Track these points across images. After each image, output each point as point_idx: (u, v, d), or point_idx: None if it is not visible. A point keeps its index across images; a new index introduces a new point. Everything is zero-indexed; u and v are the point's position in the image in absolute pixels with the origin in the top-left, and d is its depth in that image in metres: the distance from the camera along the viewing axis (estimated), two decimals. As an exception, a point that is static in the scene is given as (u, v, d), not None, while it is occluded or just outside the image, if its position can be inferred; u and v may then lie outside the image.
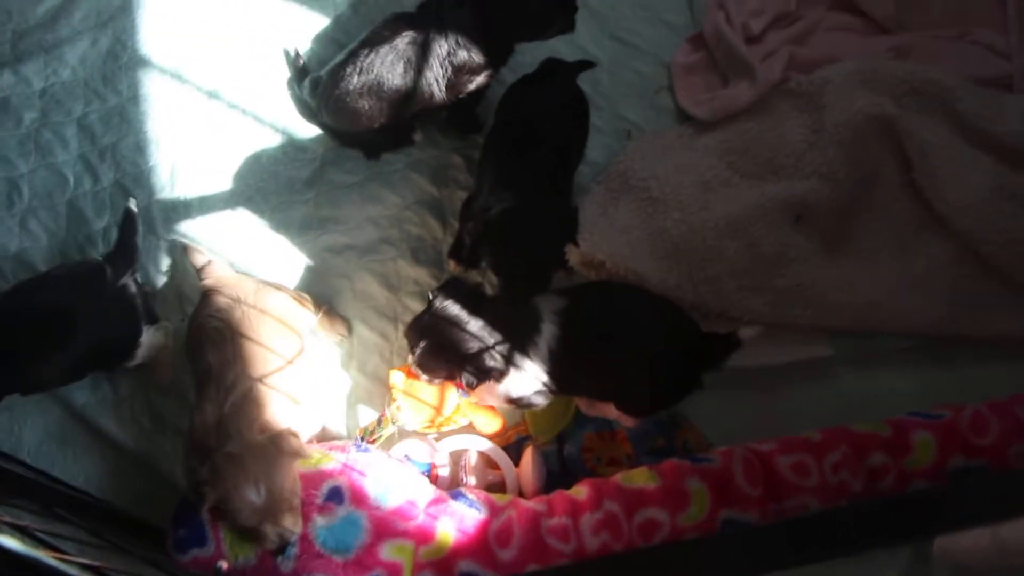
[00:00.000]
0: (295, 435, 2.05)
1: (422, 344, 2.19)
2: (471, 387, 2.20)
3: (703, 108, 2.78)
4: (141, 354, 2.44)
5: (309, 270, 2.68)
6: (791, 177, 2.61)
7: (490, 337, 2.18)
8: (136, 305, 2.42)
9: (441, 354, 2.19)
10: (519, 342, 2.19)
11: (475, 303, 2.21)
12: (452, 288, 2.24)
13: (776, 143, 2.66)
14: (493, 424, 2.42)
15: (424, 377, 2.27)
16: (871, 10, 2.94)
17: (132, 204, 2.52)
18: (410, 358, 2.26)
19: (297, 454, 2.02)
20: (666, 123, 2.86)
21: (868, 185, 2.62)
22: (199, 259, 2.41)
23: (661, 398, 2.30)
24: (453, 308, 2.19)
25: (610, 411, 2.34)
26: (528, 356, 2.19)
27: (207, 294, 2.32)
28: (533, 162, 2.40)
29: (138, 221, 2.52)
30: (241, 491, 1.90)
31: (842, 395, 2.51)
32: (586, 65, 2.69)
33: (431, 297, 2.23)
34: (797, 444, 2.21)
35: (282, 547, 1.99)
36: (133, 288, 2.42)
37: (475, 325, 2.18)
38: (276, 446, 1.99)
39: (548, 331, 2.19)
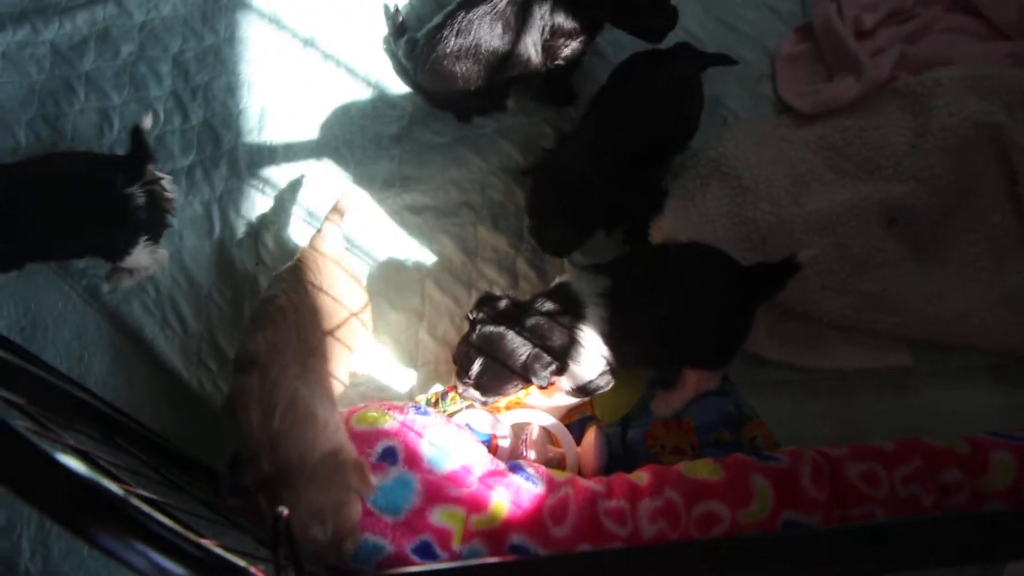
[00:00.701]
0: (360, 465, 1.93)
1: (478, 363, 2.18)
2: (543, 388, 2.21)
3: (805, 100, 2.71)
4: (131, 262, 2.50)
5: (387, 227, 2.67)
6: (889, 179, 2.54)
7: (540, 337, 2.17)
8: (136, 217, 2.42)
9: (498, 370, 2.18)
10: (567, 334, 2.18)
11: (514, 311, 2.21)
12: (488, 303, 2.23)
13: (877, 143, 2.58)
14: (561, 404, 2.42)
15: (481, 401, 2.27)
16: (992, 14, 2.83)
17: (146, 122, 2.45)
18: (459, 387, 2.26)
19: (362, 491, 1.93)
20: (764, 112, 2.80)
21: (969, 195, 2.53)
22: (333, 218, 2.40)
23: (728, 340, 2.30)
24: (495, 321, 2.19)
25: (678, 399, 2.32)
26: (581, 343, 2.18)
27: (297, 265, 2.26)
28: (620, 130, 2.41)
29: (147, 136, 2.46)
30: (308, 530, 1.81)
31: (919, 408, 2.44)
32: (722, 60, 2.67)
33: (470, 318, 2.22)
34: (869, 452, 2.14)
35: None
36: (140, 200, 2.41)
37: (522, 334, 2.17)
38: (342, 478, 1.89)
39: (594, 313, 2.18)
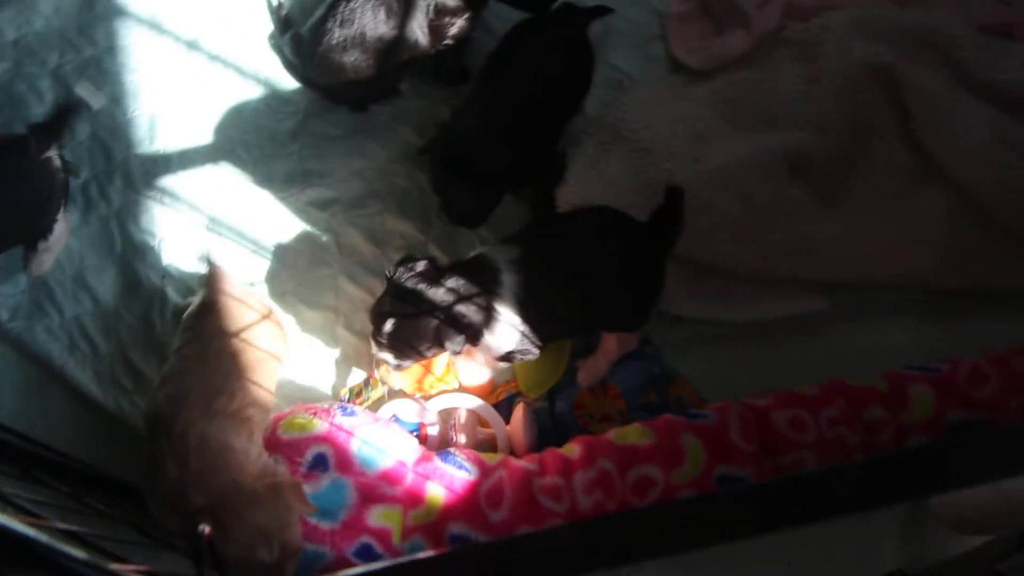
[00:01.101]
0: (297, 485, 1.90)
1: (389, 324, 2.13)
2: (457, 353, 2.18)
3: (696, 57, 2.73)
4: (54, 239, 2.45)
5: (293, 225, 2.62)
6: (785, 128, 2.57)
7: (455, 302, 2.14)
8: (58, 181, 2.40)
9: (411, 332, 2.14)
10: (482, 301, 2.15)
11: (432, 275, 2.16)
12: (406, 263, 2.18)
13: (770, 93, 2.61)
14: (482, 382, 2.41)
15: (394, 363, 2.21)
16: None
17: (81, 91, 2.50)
18: (374, 348, 2.20)
19: (302, 510, 1.89)
20: (658, 73, 2.80)
21: (865, 136, 2.58)
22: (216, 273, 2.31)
23: (642, 299, 2.29)
24: (411, 282, 2.14)
25: (601, 365, 2.33)
26: (497, 309, 2.15)
27: (199, 310, 2.18)
28: (513, 97, 2.41)
29: (79, 111, 2.51)
30: (255, 553, 1.77)
31: (837, 350, 2.47)
32: (601, 11, 2.64)
33: (388, 276, 2.18)
34: (793, 399, 2.17)
35: None
36: (57, 163, 2.39)
37: (438, 294, 2.13)
38: (281, 498, 1.85)
39: (509, 280, 2.15)
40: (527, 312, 2.16)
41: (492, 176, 2.41)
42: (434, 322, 2.12)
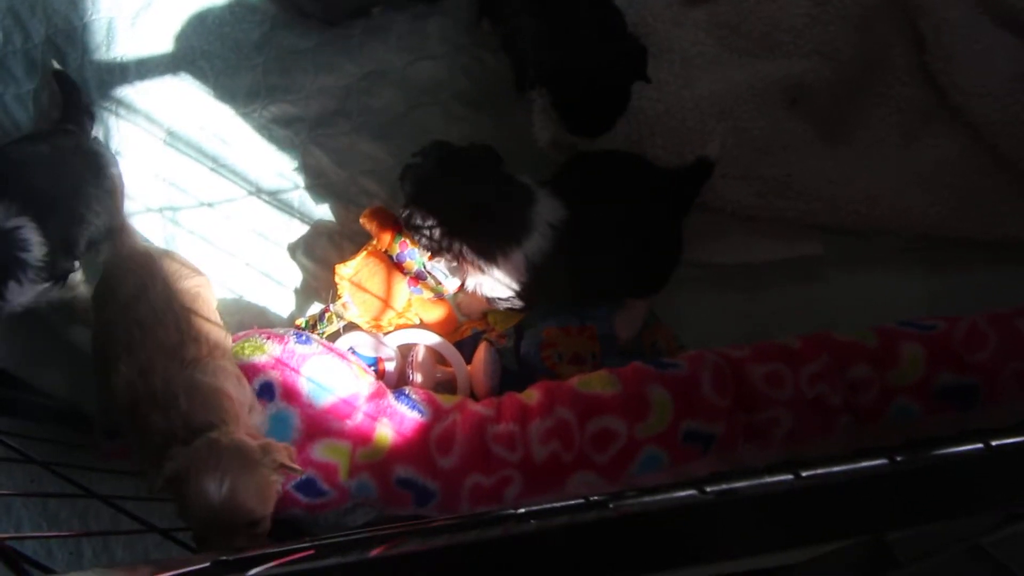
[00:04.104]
0: (289, 450, 1.79)
1: (411, 183, 2.11)
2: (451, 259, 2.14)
3: (696, -27, 2.56)
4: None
5: (254, 143, 2.50)
6: (788, 55, 2.40)
7: (476, 220, 2.07)
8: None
9: (433, 198, 2.09)
10: (501, 239, 2.07)
11: (481, 171, 2.11)
12: (440, 149, 2.13)
13: (774, 16, 2.42)
14: (442, 317, 2.34)
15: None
16: None
17: (55, 65, 2.43)
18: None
19: (281, 470, 1.77)
20: None
21: (874, 67, 2.41)
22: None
23: (665, 261, 2.24)
24: (442, 168, 2.10)
25: (637, 316, 2.31)
26: (501, 257, 2.08)
27: (106, 282, 2.10)
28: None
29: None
30: (202, 477, 1.66)
31: (830, 299, 2.38)
32: None
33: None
34: (773, 352, 2.08)
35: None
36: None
37: (472, 196, 2.07)
38: (264, 456, 1.74)
39: (534, 243, 2.07)
40: (529, 276, 2.09)
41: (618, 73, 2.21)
42: (437, 222, 2.06)
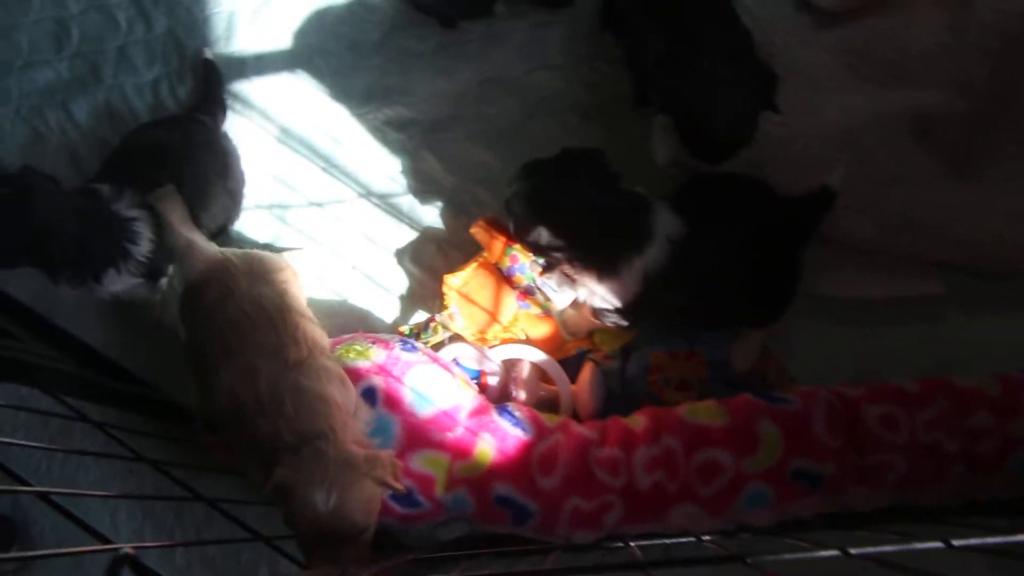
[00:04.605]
0: (395, 464, 1.81)
1: (526, 186, 2.07)
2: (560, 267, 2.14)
3: (828, -3, 2.52)
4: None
5: (367, 145, 2.53)
6: (919, 85, 2.36)
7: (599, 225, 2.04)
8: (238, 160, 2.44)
9: (544, 210, 2.05)
10: (622, 245, 2.04)
11: (604, 180, 2.07)
12: (593, 156, 2.10)
13: (906, 44, 2.38)
14: (548, 334, 2.34)
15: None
16: None
17: (208, 53, 2.52)
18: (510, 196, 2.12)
19: (384, 485, 1.78)
20: (782, 11, 2.55)
21: (1010, 102, 2.34)
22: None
23: (782, 296, 2.19)
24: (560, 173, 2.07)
25: (755, 346, 2.27)
26: (620, 265, 2.04)
27: (191, 293, 2.09)
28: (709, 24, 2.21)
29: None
30: (310, 488, 1.69)
31: (949, 342, 2.31)
32: None
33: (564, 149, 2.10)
34: (889, 393, 2.03)
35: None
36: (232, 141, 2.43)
37: (594, 201, 2.04)
38: (369, 468, 1.76)
39: (652, 255, 2.03)
40: (642, 288, 2.06)
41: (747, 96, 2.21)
42: (549, 224, 2.03)
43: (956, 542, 1.03)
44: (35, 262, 2.04)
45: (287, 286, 2.09)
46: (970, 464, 1.98)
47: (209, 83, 2.50)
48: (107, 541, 0.98)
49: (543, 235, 2.04)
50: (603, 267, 2.06)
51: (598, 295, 2.12)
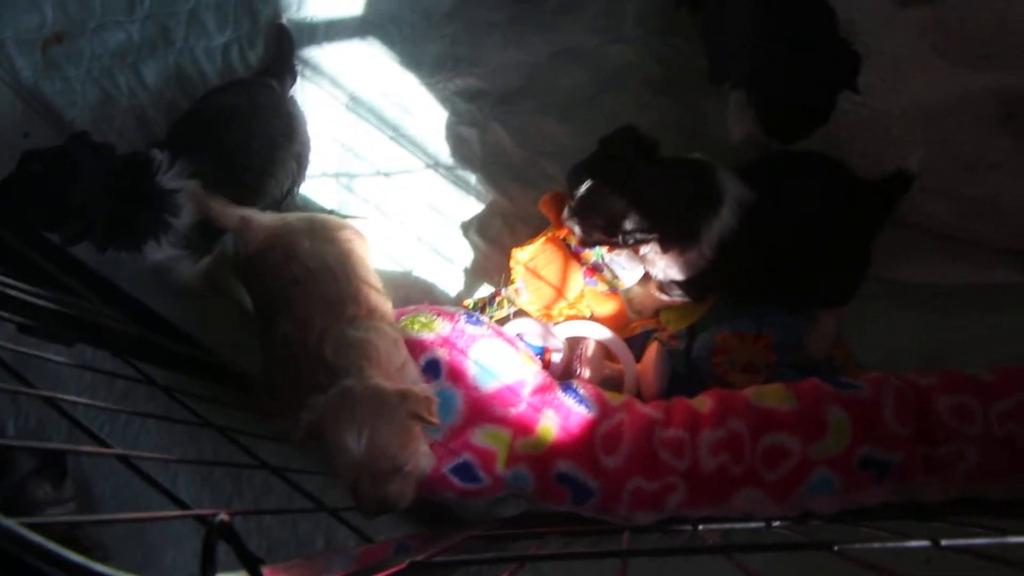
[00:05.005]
0: (428, 398, 1.80)
1: (587, 184, 2.03)
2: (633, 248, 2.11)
3: (915, -31, 2.47)
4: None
5: (436, 115, 2.55)
6: (1009, 67, 2.31)
7: (660, 200, 2.03)
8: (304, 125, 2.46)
9: (603, 202, 2.04)
10: (698, 210, 2.03)
11: (650, 155, 2.06)
12: (627, 133, 2.08)
13: (999, 22, 2.33)
14: (614, 312, 2.34)
15: (577, 232, 2.12)
16: None
17: (283, 19, 2.57)
18: (566, 211, 2.12)
19: (417, 418, 1.77)
20: None
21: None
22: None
23: (853, 278, 2.18)
24: (628, 154, 2.04)
25: (832, 329, 2.26)
26: (702, 229, 2.03)
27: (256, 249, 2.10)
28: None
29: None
30: (340, 431, 1.70)
31: (1014, 332, 2.28)
32: None
33: (601, 139, 2.09)
34: (963, 382, 2.00)
35: (379, 511, 1.77)
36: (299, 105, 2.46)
37: (648, 179, 2.02)
38: (403, 405, 1.75)
39: (725, 219, 2.02)
40: (716, 256, 2.05)
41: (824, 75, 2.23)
42: (621, 207, 2.02)
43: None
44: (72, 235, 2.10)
45: (351, 245, 2.12)
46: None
47: (281, 48, 2.53)
48: (187, 507, 1.00)
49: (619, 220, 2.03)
50: (677, 235, 2.05)
51: (668, 268, 2.12)
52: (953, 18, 2.37)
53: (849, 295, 2.19)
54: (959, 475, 1.94)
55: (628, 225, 2.01)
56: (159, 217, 2.14)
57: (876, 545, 0.98)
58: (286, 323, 1.93)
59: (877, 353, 2.27)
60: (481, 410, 2.03)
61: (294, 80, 2.52)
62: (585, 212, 2.06)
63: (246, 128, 2.25)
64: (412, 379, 1.96)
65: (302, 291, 1.96)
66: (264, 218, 2.13)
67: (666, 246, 2.06)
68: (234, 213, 2.14)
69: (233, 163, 2.21)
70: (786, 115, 2.16)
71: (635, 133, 2.07)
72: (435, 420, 1.78)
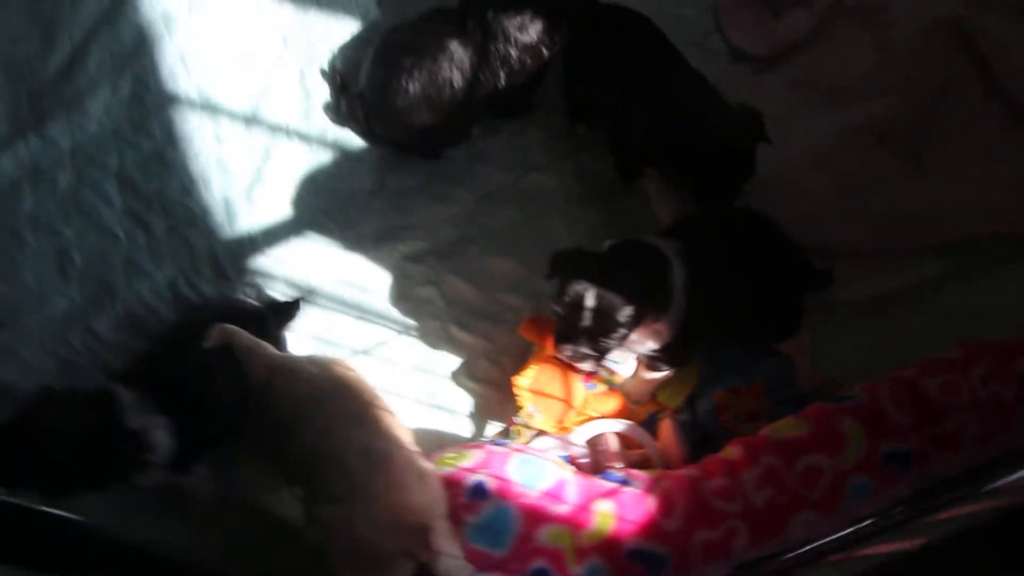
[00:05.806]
0: (424, 531, 2.00)
1: (591, 296, 2.17)
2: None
3: (761, 44, 2.86)
4: None
5: (392, 283, 2.71)
6: (863, 99, 2.69)
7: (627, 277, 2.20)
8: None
9: (612, 307, 2.17)
10: (655, 287, 2.23)
11: (595, 263, 2.24)
12: (564, 260, 2.25)
13: (842, 67, 2.74)
14: (617, 408, 2.54)
15: (569, 354, 2.26)
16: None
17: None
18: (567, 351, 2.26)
19: (420, 557, 2.00)
20: (720, 66, 2.90)
21: (945, 92, 2.69)
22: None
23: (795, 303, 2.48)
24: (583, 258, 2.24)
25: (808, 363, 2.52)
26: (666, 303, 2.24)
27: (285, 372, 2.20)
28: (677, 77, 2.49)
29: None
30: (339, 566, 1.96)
31: (960, 312, 2.58)
32: None
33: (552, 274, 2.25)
34: (939, 364, 2.30)
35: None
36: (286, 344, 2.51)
37: (609, 266, 2.22)
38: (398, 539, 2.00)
39: (679, 273, 2.24)
40: (687, 307, 2.26)
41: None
42: (628, 304, 2.17)
43: None
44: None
45: (358, 374, 2.27)
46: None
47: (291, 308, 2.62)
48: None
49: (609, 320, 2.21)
50: (654, 303, 2.24)
51: (647, 342, 2.32)
52: (803, 73, 2.75)
53: (794, 327, 2.48)
54: (967, 444, 2.21)
55: (620, 317, 2.18)
56: (135, 457, 2.13)
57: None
58: (306, 434, 2.07)
59: (846, 369, 2.50)
60: (537, 513, 2.14)
61: (289, 320, 2.63)
62: (573, 328, 2.22)
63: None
64: (434, 491, 2.10)
65: (316, 405, 2.11)
66: (270, 351, 2.24)
67: (642, 318, 2.23)
68: (244, 344, 2.20)
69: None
70: (714, 179, 2.43)
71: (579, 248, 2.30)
72: (431, 552, 1.99)
